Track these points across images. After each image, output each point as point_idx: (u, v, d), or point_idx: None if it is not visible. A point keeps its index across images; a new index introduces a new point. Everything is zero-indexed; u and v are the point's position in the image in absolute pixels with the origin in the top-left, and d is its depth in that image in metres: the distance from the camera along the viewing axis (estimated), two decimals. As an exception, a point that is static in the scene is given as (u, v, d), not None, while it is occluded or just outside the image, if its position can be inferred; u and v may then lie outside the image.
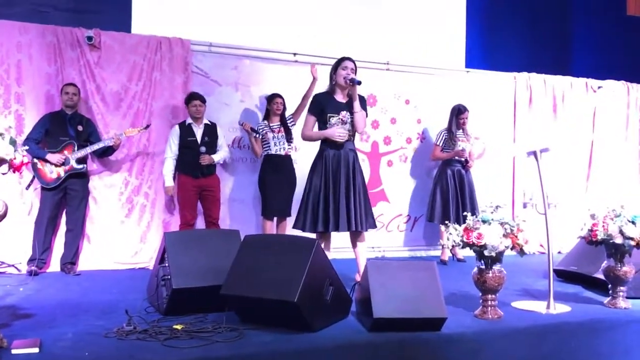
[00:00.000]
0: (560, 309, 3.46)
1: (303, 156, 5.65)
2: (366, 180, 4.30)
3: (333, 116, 4.01)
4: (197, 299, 3.14)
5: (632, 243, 3.45)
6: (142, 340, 2.71)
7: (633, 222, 3.47)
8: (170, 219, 5.24)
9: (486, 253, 3.12)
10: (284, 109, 5.30)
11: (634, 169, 7.10)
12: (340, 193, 3.96)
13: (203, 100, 5.03)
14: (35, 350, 2.52)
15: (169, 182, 5.00)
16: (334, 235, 4.16)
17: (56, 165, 4.58)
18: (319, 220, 3.95)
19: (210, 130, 5.10)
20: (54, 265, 4.79)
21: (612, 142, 6.94)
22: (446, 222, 3.56)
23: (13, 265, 4.67)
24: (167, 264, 3.23)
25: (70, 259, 4.74)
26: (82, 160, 4.70)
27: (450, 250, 5.59)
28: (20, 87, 4.81)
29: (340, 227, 3.94)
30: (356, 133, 4.13)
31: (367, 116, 4.15)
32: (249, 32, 5.88)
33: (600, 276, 3.75)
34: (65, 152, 4.63)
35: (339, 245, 4.61)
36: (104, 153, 4.87)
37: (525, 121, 6.57)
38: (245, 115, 5.56)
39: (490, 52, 7.24)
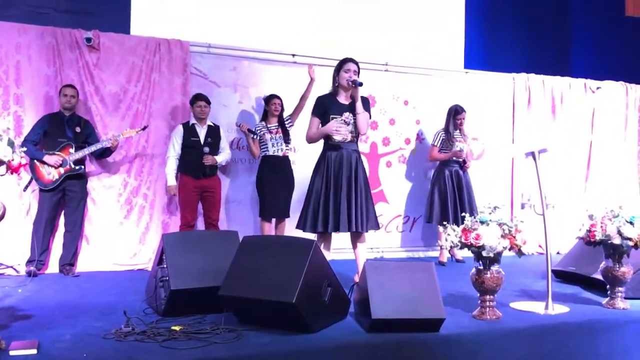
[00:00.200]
0: (559, 309, 3.46)
1: (302, 157, 5.66)
2: (367, 181, 4.30)
3: (336, 117, 4.02)
4: (195, 300, 3.15)
5: (630, 244, 3.44)
6: (140, 342, 2.71)
7: (631, 223, 3.47)
8: (169, 220, 5.24)
9: (484, 254, 3.12)
10: (282, 109, 5.31)
11: (632, 170, 7.11)
12: (341, 193, 3.96)
13: (208, 102, 5.05)
14: (34, 351, 2.52)
15: (172, 181, 4.99)
16: (334, 236, 4.16)
17: (54, 167, 4.58)
18: (319, 221, 3.96)
19: (214, 132, 5.11)
20: (53, 266, 4.79)
21: (611, 142, 6.95)
22: (444, 223, 3.56)
23: (11, 267, 4.67)
24: (165, 265, 3.24)
25: (68, 260, 4.74)
26: (80, 162, 4.70)
27: (449, 251, 5.59)
28: (19, 89, 4.81)
29: (341, 227, 3.94)
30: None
31: (370, 118, 4.15)
32: (248, 33, 5.89)
33: (599, 277, 3.75)
34: (63, 153, 4.63)
35: (338, 246, 4.62)
36: (102, 154, 4.87)
37: (524, 122, 6.57)
38: (243, 116, 5.56)
39: (489, 53, 7.26)
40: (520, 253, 3.19)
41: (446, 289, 3.82)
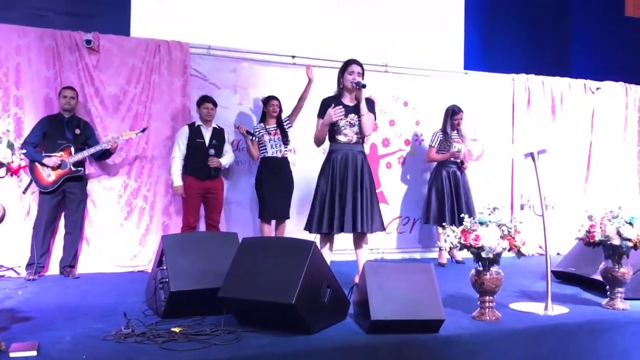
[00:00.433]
0: (558, 310, 3.46)
1: (302, 158, 5.67)
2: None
3: (341, 119, 4.02)
4: (195, 301, 3.15)
5: (630, 244, 3.45)
6: (140, 343, 2.71)
7: (630, 223, 3.47)
8: (169, 222, 5.24)
9: (483, 255, 3.12)
10: (280, 111, 5.31)
11: (632, 170, 7.11)
12: (346, 194, 3.97)
13: (215, 104, 5.07)
14: (33, 353, 2.53)
15: (178, 181, 4.98)
16: (335, 236, 4.17)
17: (52, 168, 4.59)
18: (324, 222, 3.97)
19: (219, 134, 5.13)
20: (53, 268, 4.80)
21: (611, 143, 6.95)
22: (443, 224, 3.56)
23: (12, 269, 4.68)
24: (165, 267, 3.24)
25: (69, 262, 4.74)
26: (80, 164, 4.70)
27: (449, 252, 5.58)
28: (19, 90, 4.82)
29: (345, 228, 3.95)
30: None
31: (375, 119, 4.15)
32: (248, 35, 5.89)
33: (598, 277, 3.75)
34: (64, 154, 4.63)
35: (338, 247, 4.62)
36: (102, 156, 4.87)
37: (524, 123, 6.57)
38: (241, 118, 5.57)
39: (489, 53, 7.25)
40: (519, 254, 3.20)
41: (446, 290, 3.83)
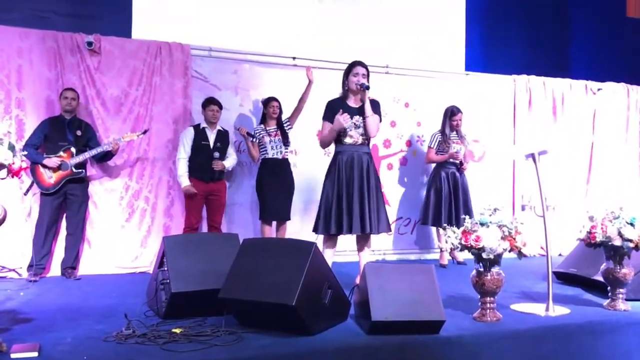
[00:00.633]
0: (560, 311, 3.45)
1: (303, 160, 5.68)
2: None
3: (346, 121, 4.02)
4: (196, 302, 3.15)
5: (631, 245, 3.44)
6: (141, 344, 2.71)
7: (632, 224, 3.46)
8: (171, 223, 5.24)
9: (484, 255, 3.12)
10: (281, 112, 5.31)
11: (634, 171, 7.09)
12: (353, 195, 3.98)
13: (220, 106, 5.09)
14: (35, 354, 2.53)
15: (186, 181, 4.97)
16: (338, 237, 4.17)
17: (53, 170, 4.60)
18: (331, 223, 3.98)
19: (223, 136, 5.14)
20: (55, 269, 4.80)
21: (612, 144, 6.94)
22: (444, 225, 3.56)
23: (14, 270, 4.69)
24: (166, 268, 3.24)
25: (70, 264, 4.75)
26: (81, 165, 4.71)
27: (450, 253, 5.58)
28: (21, 92, 4.83)
29: (354, 229, 3.96)
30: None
31: (380, 121, 4.16)
32: (249, 36, 5.90)
33: (600, 278, 3.75)
34: (65, 156, 4.64)
35: (339, 248, 4.61)
36: (103, 158, 4.88)
37: (525, 124, 6.57)
38: (241, 119, 5.57)
39: (490, 54, 7.26)
40: (520, 255, 3.19)
41: (446, 291, 3.82)
